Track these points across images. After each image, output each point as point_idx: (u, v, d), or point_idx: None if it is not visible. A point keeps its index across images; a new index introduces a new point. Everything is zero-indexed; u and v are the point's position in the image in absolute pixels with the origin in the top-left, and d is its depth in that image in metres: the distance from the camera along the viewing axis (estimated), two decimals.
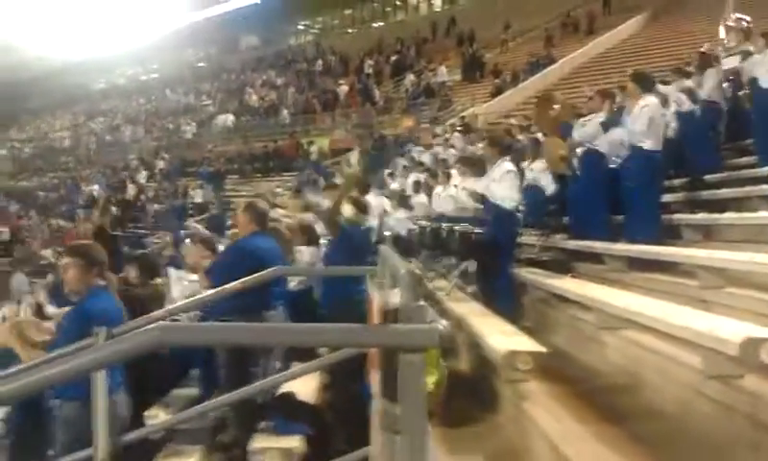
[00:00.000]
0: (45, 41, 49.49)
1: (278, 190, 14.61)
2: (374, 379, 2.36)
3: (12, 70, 56.25)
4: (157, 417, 4.47)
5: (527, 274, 6.07)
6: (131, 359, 1.33)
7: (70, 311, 3.75)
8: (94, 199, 20.76)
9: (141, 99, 39.58)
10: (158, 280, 5.63)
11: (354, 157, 16.70)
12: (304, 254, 6.19)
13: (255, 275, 3.82)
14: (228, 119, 26.93)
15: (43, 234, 19.72)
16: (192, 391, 5.56)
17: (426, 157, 13.26)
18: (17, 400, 3.02)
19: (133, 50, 48.00)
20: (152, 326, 1.30)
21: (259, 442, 4.00)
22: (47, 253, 16.90)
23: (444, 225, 7.36)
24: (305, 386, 4.64)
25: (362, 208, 5.57)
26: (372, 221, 6.47)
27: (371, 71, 26.72)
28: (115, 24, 45.72)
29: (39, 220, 21.04)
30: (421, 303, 1.64)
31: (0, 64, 57.86)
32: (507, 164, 6.08)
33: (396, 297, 2.03)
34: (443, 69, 23.30)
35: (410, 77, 24.02)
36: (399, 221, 9.16)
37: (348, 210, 5.35)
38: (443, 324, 3.93)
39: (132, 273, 5.50)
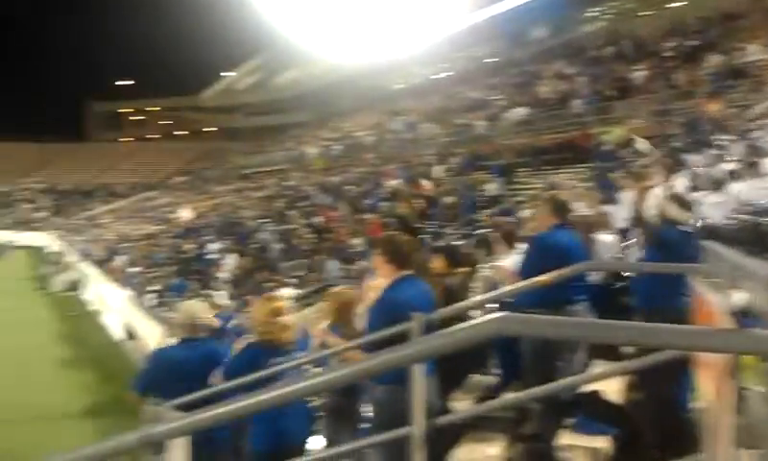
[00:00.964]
0: (350, 49, 54.26)
1: (573, 182, 14.20)
2: (707, 387, 2.15)
3: (323, 77, 63.10)
4: (461, 403, 4.68)
5: None
6: (468, 347, 1.37)
7: (377, 300, 3.90)
8: (395, 192, 22.28)
9: (435, 97, 41.42)
10: (465, 269, 5.79)
11: (644, 143, 15.62)
12: (604, 245, 5.96)
13: (563, 270, 3.75)
14: (519, 113, 26.95)
15: (351, 224, 21.55)
16: (490, 378, 5.72)
17: (737, 146, 11.91)
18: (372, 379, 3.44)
19: (427, 50, 50.43)
20: (492, 316, 1.33)
21: (565, 438, 3.93)
22: (356, 241, 18.51)
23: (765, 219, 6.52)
24: (608, 384, 4.47)
25: (685, 205, 4.94)
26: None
27: (670, 54, 24.76)
28: (410, 27, 48.40)
29: (347, 211, 22.98)
30: None
31: (313, 73, 65.37)
32: None
33: (737, 297, 1.84)
34: (753, 47, 20.70)
35: (714, 57, 21.76)
36: (715, 205, 8.25)
37: (670, 209, 4.85)
38: None
39: (437, 263, 5.65)
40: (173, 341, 4.93)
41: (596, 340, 2.41)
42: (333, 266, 17.05)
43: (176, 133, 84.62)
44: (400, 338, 3.21)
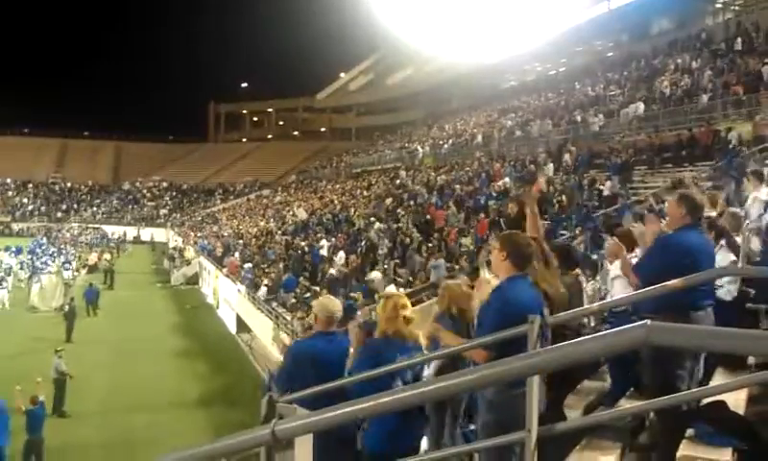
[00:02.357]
0: (463, 47, 53.99)
1: (695, 181, 13.43)
2: None
3: (434, 76, 63.19)
4: (574, 408, 4.51)
5: None
6: (609, 356, 1.26)
7: (491, 297, 3.85)
8: (505, 190, 21.93)
9: (550, 93, 40.50)
10: (577, 271, 5.59)
11: None
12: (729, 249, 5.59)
13: (695, 275, 3.56)
14: (638, 108, 25.85)
15: (459, 223, 21.42)
16: (603, 384, 5.47)
17: None
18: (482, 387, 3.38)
19: (542, 47, 49.39)
20: (638, 324, 1.21)
21: (686, 449, 3.69)
22: (464, 241, 18.37)
23: None
24: (729, 394, 4.14)
25: None
26: None
27: None
28: (525, 23, 47.54)
29: (456, 210, 22.83)
30: None
31: (425, 72, 65.59)
32: None
33: None
34: None
35: None
36: None
37: None
38: None
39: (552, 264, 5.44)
40: (308, 334, 5.10)
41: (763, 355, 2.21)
42: (441, 265, 16.97)
43: (291, 133, 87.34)
44: (517, 340, 3.18)
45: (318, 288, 20.15)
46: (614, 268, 5.61)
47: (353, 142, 72.15)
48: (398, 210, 26.69)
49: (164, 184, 74.86)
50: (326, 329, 4.75)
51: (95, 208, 70.35)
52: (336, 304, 4.91)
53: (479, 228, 19.16)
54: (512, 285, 3.71)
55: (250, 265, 28.29)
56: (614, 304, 4.38)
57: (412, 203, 27.04)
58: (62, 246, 47.73)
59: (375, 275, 18.77)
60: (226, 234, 42.36)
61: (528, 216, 5.15)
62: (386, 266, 20.15)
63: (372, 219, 26.72)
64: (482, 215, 20.39)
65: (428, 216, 23.58)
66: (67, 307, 25.92)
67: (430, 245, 19.83)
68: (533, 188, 7.34)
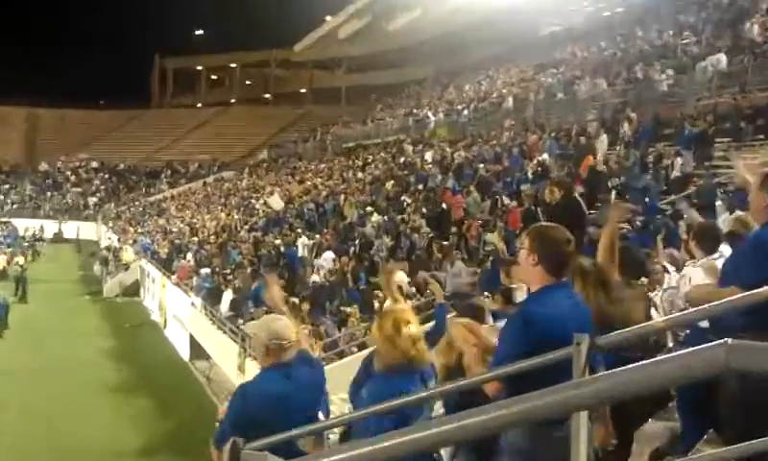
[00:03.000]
0: None
1: None
2: None
3: (448, 21, 62.71)
4: (634, 457, 4.48)
5: None
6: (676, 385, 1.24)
7: (511, 314, 3.90)
8: (544, 169, 21.90)
9: (603, 42, 40.43)
10: (644, 280, 5.58)
11: None
12: None
13: None
14: (720, 62, 25.80)
15: (483, 214, 21.37)
16: (671, 424, 5.57)
17: None
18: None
19: None
20: (715, 343, 1.17)
21: None
22: (491, 237, 18.29)
23: None
24: None
25: None
26: None
27: None
28: None
29: (479, 197, 22.78)
30: None
31: (435, 16, 64.88)
32: None
33: None
34: None
35: None
36: None
37: None
38: None
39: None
40: (258, 371, 4.96)
41: None
42: (460, 271, 16.98)
43: (261, 95, 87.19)
44: (552, 368, 3.15)
45: (297, 299, 20.14)
46: (695, 273, 5.64)
47: (343, 107, 72.07)
48: (403, 198, 26.79)
49: (94, 164, 74.97)
50: (278, 360, 4.61)
51: (2, 197, 70.40)
52: (286, 325, 4.74)
53: (510, 220, 19.12)
54: (543, 298, 3.70)
55: (207, 271, 28.41)
56: (691, 319, 4.32)
57: (420, 187, 27.10)
58: None
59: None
60: (175, 230, 42.53)
61: (604, 236, 5.16)
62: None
63: (369, 209, 26.79)
64: (513, 203, 20.39)
65: (443, 205, 23.61)
66: None
67: (445, 243, 19.80)
68: (619, 207, 7.29)
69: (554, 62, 41.85)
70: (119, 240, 48.64)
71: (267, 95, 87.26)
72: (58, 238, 61.53)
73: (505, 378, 3.41)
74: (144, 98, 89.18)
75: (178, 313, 29.58)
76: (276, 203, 36.40)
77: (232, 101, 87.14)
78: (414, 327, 4.55)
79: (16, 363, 25.55)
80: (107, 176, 73.15)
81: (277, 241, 27.88)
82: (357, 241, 23.90)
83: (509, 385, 3.35)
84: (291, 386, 4.52)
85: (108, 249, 47.99)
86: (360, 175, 36.73)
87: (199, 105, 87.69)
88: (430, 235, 20.88)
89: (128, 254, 42.90)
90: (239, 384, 4.96)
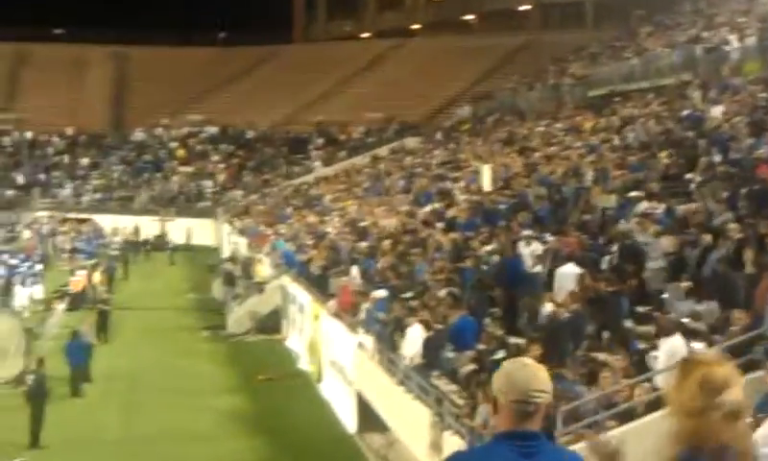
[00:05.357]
0: None
1: None
2: None
3: None
4: None
5: None
6: None
7: None
8: None
9: None
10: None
11: None
12: None
13: None
14: None
15: None
16: None
17: None
18: None
19: None
20: None
21: None
22: None
23: None
24: None
25: None
26: None
27: None
28: None
29: None
30: None
31: None
32: None
33: None
34: None
35: None
36: None
37: None
38: None
39: None
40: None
41: None
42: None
43: (459, 18, 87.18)
44: None
45: (524, 341, 19.96)
46: None
47: (588, 33, 71.25)
48: (689, 175, 26.24)
49: (211, 130, 77.69)
50: (517, 427, 4.69)
51: (78, 182, 73.46)
52: (536, 376, 4.82)
53: None
54: None
55: (384, 293, 28.33)
56: None
57: (719, 158, 26.45)
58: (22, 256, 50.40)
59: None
60: (332, 230, 42.88)
61: None
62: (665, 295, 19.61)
63: (635, 194, 26.39)
64: None
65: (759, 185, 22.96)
66: (31, 382, 27.01)
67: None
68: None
69: None
70: (251, 246, 49.77)
71: (468, 16, 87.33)
72: (159, 244, 63.74)
73: None
74: (283, 29, 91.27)
75: (339, 359, 29.83)
76: (484, 182, 36.38)
77: (415, 28, 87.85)
78: (735, 394, 4.44)
79: (103, 432, 26.61)
80: (230, 148, 75.17)
81: (488, 247, 27.69)
82: (616, 246, 23.49)
83: None
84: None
85: (233, 260, 49.16)
86: (616, 140, 36.35)
87: (365, 35, 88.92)
88: (739, 236, 20.10)
89: (263, 267, 43.65)
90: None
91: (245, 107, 78.73)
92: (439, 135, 61.24)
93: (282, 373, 33.96)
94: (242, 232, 54.82)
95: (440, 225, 34.66)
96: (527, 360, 5.05)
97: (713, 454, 4.29)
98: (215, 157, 74.08)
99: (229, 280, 44.95)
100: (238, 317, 41.04)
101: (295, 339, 36.95)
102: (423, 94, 74.03)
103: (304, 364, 34.46)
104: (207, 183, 70.45)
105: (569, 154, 37.39)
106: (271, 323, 40.02)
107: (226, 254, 53.81)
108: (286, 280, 39.58)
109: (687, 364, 4.65)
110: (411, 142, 64.13)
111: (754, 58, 38.92)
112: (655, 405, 14.52)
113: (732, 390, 4.35)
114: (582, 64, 58.40)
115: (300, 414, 29.20)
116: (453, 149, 54.11)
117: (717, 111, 32.10)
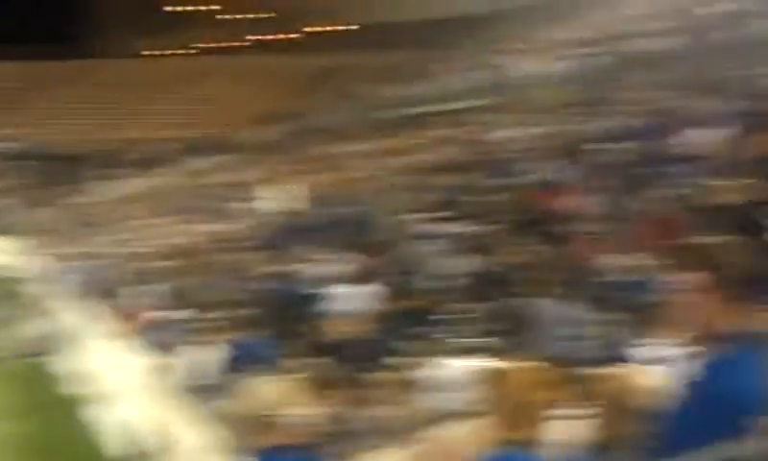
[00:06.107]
0: None
1: None
2: None
3: None
4: None
5: None
6: None
7: (691, 384, 4.08)
8: (713, 156, 21.09)
9: None
10: None
11: None
12: None
13: None
14: None
15: (609, 224, 20.91)
16: None
17: None
18: None
19: None
20: None
21: None
22: (621, 261, 17.92)
23: None
24: None
25: None
26: None
27: None
28: None
29: (605, 197, 22.57)
30: None
31: None
32: None
33: None
34: None
35: None
36: None
37: None
38: None
39: None
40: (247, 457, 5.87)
41: None
42: (570, 313, 16.47)
43: (263, 38, 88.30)
44: None
45: (300, 362, 19.63)
46: None
47: (388, 57, 72.86)
48: (480, 197, 26.73)
49: (10, 146, 76.77)
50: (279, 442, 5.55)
51: None
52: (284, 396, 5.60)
53: (659, 232, 18.48)
54: (731, 357, 3.92)
55: (179, 314, 28.15)
56: None
57: (508, 181, 27.15)
58: None
59: None
60: (123, 250, 43.01)
61: None
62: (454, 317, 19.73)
63: (423, 215, 26.90)
64: (665, 206, 19.84)
65: (542, 207, 23.61)
66: None
67: (545, 269, 19.26)
68: None
69: None
70: (41, 266, 49.30)
71: (273, 37, 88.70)
72: None
73: None
74: (95, 44, 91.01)
75: (121, 380, 29.35)
76: (275, 198, 36.90)
77: (221, 46, 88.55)
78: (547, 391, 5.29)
79: None
80: (32, 162, 75.48)
81: (273, 267, 27.98)
82: (404, 266, 23.85)
83: None
84: None
85: (19, 280, 48.65)
86: (412, 159, 37.83)
87: (172, 52, 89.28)
88: (526, 255, 20.30)
89: (51, 286, 43.26)
90: None
91: (49, 123, 78.32)
92: (244, 153, 62.05)
93: (55, 396, 33.29)
94: (26, 252, 54.30)
95: (226, 244, 35.36)
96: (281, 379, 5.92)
97: None
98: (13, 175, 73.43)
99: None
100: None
101: (70, 361, 36.21)
102: (229, 113, 74.40)
103: (79, 387, 33.78)
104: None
105: (369, 174, 38.41)
106: (46, 344, 39.32)
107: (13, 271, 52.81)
108: (64, 301, 39.03)
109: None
110: (212, 161, 64.56)
111: (548, 86, 40.13)
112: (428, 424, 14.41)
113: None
114: (380, 86, 59.90)
115: (73, 440, 28.60)
116: (257, 167, 54.84)
117: (506, 136, 32.91)
